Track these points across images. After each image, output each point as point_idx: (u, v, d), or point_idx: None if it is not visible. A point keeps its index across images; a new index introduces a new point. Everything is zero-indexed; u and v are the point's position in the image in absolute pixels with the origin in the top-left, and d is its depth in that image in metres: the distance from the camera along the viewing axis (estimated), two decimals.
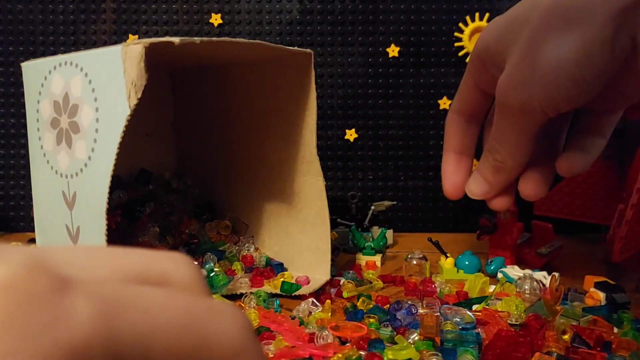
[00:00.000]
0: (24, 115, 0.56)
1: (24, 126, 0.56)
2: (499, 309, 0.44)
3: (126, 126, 0.39)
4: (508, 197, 0.38)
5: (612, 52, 0.27)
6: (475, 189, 0.36)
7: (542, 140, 0.35)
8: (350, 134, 0.75)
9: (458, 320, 0.41)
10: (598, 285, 0.47)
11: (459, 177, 0.37)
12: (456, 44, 0.72)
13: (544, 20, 0.29)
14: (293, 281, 0.52)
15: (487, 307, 0.45)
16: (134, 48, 0.39)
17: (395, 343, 0.38)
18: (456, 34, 0.72)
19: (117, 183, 0.61)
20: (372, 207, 0.68)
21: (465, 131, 0.38)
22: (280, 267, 0.55)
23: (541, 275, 0.52)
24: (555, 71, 0.28)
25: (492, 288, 0.50)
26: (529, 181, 0.36)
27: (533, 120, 0.31)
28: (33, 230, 0.56)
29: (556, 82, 0.28)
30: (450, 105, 0.40)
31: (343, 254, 0.62)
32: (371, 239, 0.63)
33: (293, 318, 0.43)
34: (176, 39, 0.39)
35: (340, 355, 0.35)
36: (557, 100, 0.29)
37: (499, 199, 0.37)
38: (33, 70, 0.52)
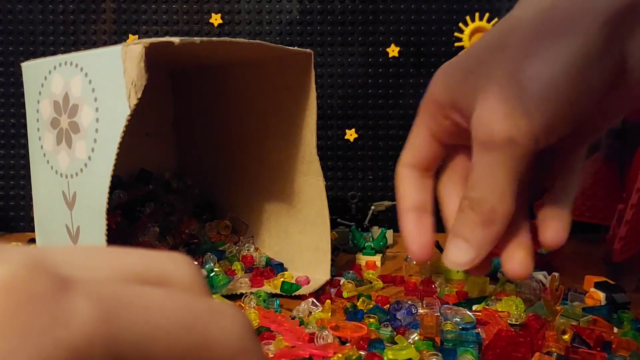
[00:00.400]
0: (24, 115, 0.56)
1: (24, 126, 0.56)
2: (499, 309, 0.44)
3: (126, 126, 0.39)
4: (526, 250, 0.32)
5: (604, 68, 0.25)
6: (461, 257, 0.30)
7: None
8: (350, 134, 0.75)
9: (458, 320, 0.41)
10: (598, 285, 0.47)
11: (425, 237, 0.33)
12: (456, 44, 0.72)
13: (529, 39, 0.26)
14: (293, 281, 0.52)
15: (487, 307, 0.45)
16: (134, 48, 0.39)
17: (395, 343, 0.38)
18: (456, 34, 0.72)
19: (117, 183, 0.61)
20: (372, 207, 0.68)
21: (422, 186, 0.33)
22: (280, 267, 0.55)
23: (541, 275, 0.52)
24: (548, 92, 0.25)
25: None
26: (550, 224, 0.31)
27: (522, 155, 0.27)
28: (33, 230, 0.56)
29: (548, 105, 0.26)
30: (399, 159, 0.34)
31: (343, 254, 0.62)
32: (371, 239, 0.63)
33: (293, 318, 0.43)
34: (176, 39, 0.39)
35: (340, 355, 0.35)
36: (550, 125, 0.26)
37: (516, 257, 0.32)
38: (33, 70, 0.52)
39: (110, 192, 0.41)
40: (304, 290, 0.50)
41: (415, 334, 0.39)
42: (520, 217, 0.31)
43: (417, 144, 0.33)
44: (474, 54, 0.30)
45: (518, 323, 0.42)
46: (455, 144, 0.33)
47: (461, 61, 0.31)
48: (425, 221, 0.33)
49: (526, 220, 0.32)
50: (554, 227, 0.30)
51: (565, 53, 0.25)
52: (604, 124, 0.30)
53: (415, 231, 0.33)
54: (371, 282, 0.52)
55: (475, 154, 0.28)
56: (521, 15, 0.27)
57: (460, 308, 0.42)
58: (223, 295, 0.48)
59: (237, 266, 0.55)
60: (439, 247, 0.60)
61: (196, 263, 0.54)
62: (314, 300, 0.46)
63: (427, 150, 0.33)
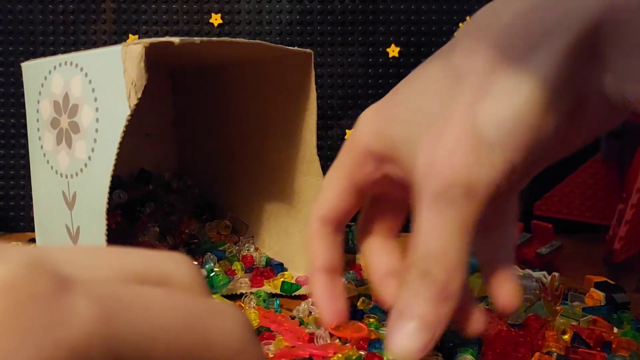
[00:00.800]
0: (24, 115, 0.56)
1: (24, 126, 0.56)
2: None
3: (126, 126, 0.39)
4: (477, 314, 0.29)
5: (563, 104, 0.23)
6: (414, 343, 0.23)
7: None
8: None
9: None
10: (598, 285, 0.47)
11: (339, 301, 0.30)
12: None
13: (488, 68, 0.23)
14: (293, 281, 0.52)
15: (486, 307, 0.45)
16: (134, 48, 0.39)
17: None
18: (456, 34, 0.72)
19: (117, 183, 0.61)
20: None
21: (334, 243, 0.30)
22: (280, 267, 0.55)
23: (541, 275, 0.51)
24: (505, 135, 0.22)
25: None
26: (502, 290, 0.28)
27: (480, 206, 0.23)
28: (33, 230, 0.56)
29: (511, 142, 0.23)
30: (312, 211, 0.31)
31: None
32: None
33: (293, 318, 0.43)
34: (176, 39, 0.39)
35: (340, 355, 0.35)
36: (513, 165, 0.23)
37: (473, 323, 0.28)
38: (33, 70, 0.52)
39: (110, 192, 0.41)
40: (304, 290, 0.50)
41: None
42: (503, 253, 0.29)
43: (334, 194, 0.30)
44: (414, 93, 0.27)
45: (518, 323, 0.42)
46: (378, 192, 0.30)
47: (398, 102, 0.28)
48: (337, 283, 0.31)
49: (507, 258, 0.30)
50: (505, 293, 0.28)
51: (520, 94, 0.23)
52: (559, 156, 0.27)
53: (327, 296, 0.31)
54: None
55: (423, 211, 0.24)
56: (468, 49, 0.25)
57: None
58: (223, 295, 0.48)
59: (237, 266, 0.55)
60: None
61: (196, 263, 0.54)
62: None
63: (344, 202, 0.30)
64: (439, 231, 0.23)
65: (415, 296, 0.24)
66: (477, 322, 0.28)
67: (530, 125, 0.23)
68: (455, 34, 0.28)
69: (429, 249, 0.24)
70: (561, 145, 0.25)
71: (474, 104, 0.23)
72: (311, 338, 0.39)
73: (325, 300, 0.31)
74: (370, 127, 0.29)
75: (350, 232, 0.64)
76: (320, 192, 0.31)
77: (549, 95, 0.23)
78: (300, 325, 0.41)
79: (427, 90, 0.26)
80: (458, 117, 0.24)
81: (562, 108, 0.23)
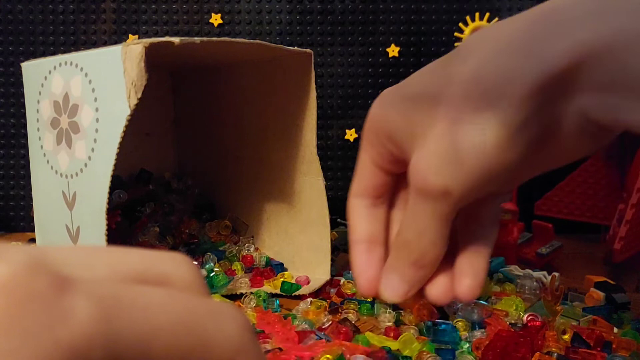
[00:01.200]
0: (24, 115, 0.56)
1: (24, 126, 0.56)
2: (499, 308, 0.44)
3: (126, 126, 0.39)
4: (445, 284, 0.32)
5: (532, 136, 0.25)
6: (392, 292, 0.30)
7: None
8: (350, 134, 0.75)
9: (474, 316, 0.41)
10: (598, 285, 0.47)
11: (373, 270, 0.32)
12: (456, 44, 0.72)
13: (462, 99, 0.26)
14: (293, 281, 0.52)
15: (486, 306, 0.45)
16: (134, 48, 0.39)
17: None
18: (456, 34, 0.72)
19: (117, 183, 0.61)
20: None
21: (373, 216, 0.33)
22: (280, 267, 0.55)
23: (541, 275, 0.52)
24: (479, 154, 0.26)
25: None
26: (464, 279, 0.31)
27: (454, 204, 0.27)
28: (33, 230, 0.56)
29: (480, 165, 0.26)
30: (350, 189, 0.33)
31: (343, 254, 0.62)
32: None
33: (286, 317, 0.43)
34: (176, 39, 0.39)
35: (329, 356, 0.35)
36: (482, 182, 0.26)
37: (437, 285, 0.31)
38: (33, 70, 0.52)
39: (110, 192, 0.41)
40: (304, 290, 0.50)
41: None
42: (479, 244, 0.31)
43: (363, 172, 0.33)
44: (413, 94, 0.30)
45: (518, 323, 0.42)
46: (399, 172, 0.32)
47: (403, 94, 0.31)
48: (377, 253, 0.32)
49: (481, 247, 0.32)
50: (467, 283, 0.30)
51: (493, 123, 0.25)
52: (533, 175, 0.29)
53: (364, 264, 0.32)
54: None
55: (410, 196, 0.29)
56: (455, 72, 0.27)
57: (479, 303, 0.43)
58: (223, 295, 0.48)
59: (237, 266, 0.55)
60: None
61: (196, 263, 0.54)
62: (313, 300, 0.46)
63: (373, 179, 0.32)
64: (419, 216, 0.28)
65: (397, 257, 0.30)
66: (467, 287, 0.32)
67: (500, 151, 0.26)
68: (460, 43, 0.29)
69: (410, 227, 0.29)
70: (535, 166, 0.28)
71: (453, 123, 0.26)
72: (301, 338, 0.39)
73: (361, 269, 0.33)
74: (379, 113, 0.32)
75: None
76: (355, 170, 0.34)
77: (516, 128, 0.25)
78: (292, 324, 0.41)
79: (425, 94, 0.29)
80: (441, 128, 0.27)
81: (526, 140, 0.26)
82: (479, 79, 0.26)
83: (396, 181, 0.33)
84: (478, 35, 0.28)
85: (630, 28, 0.22)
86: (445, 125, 0.27)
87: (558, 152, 0.27)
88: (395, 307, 0.44)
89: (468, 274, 0.31)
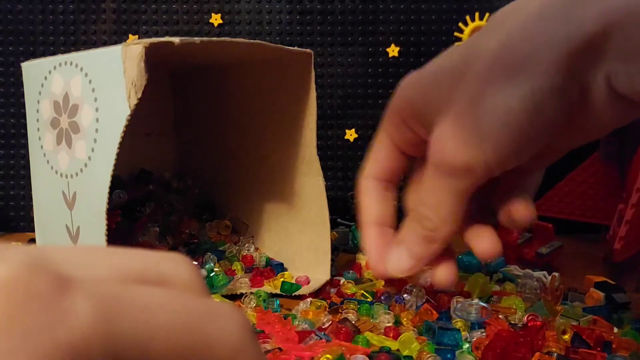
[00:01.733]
0: (24, 115, 0.56)
1: (24, 126, 0.56)
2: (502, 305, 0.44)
3: (126, 126, 0.39)
4: (452, 267, 0.32)
5: (562, 102, 0.25)
6: (399, 265, 0.31)
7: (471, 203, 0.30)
8: (350, 134, 0.75)
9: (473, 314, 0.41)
10: (598, 285, 0.47)
11: (385, 251, 0.32)
12: (456, 44, 0.72)
13: (489, 70, 0.26)
14: (293, 281, 0.52)
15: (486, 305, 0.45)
16: (134, 48, 0.39)
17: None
18: (456, 34, 0.72)
19: (117, 183, 0.61)
20: None
21: (384, 198, 0.33)
22: (280, 267, 0.55)
23: (541, 275, 0.52)
24: (505, 125, 0.25)
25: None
26: (485, 238, 0.31)
27: (473, 181, 0.27)
28: (33, 230, 0.56)
29: (506, 137, 0.25)
30: (362, 170, 0.33)
31: (343, 254, 0.62)
32: None
33: (286, 317, 0.43)
34: (176, 39, 0.39)
35: (329, 356, 0.35)
36: (507, 156, 0.26)
37: (444, 271, 0.32)
38: (33, 70, 0.52)
39: (110, 192, 0.41)
40: (304, 290, 0.50)
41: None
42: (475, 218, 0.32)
43: (381, 155, 0.33)
44: (439, 71, 0.29)
45: (518, 323, 0.42)
46: (418, 156, 0.33)
47: (428, 75, 0.31)
48: (388, 236, 0.33)
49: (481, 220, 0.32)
50: (485, 244, 0.31)
51: (522, 90, 0.25)
52: (566, 148, 0.29)
53: (378, 246, 0.33)
54: (371, 280, 0.52)
55: (428, 171, 0.29)
56: (482, 45, 0.27)
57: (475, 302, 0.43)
58: (223, 295, 0.48)
59: (237, 266, 0.55)
60: None
61: (196, 263, 0.54)
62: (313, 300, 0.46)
63: (390, 161, 0.33)
64: (435, 192, 0.28)
65: (410, 231, 0.31)
66: (445, 273, 0.32)
67: (526, 119, 0.25)
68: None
69: (426, 203, 0.29)
70: (564, 140, 0.28)
71: (478, 94, 0.26)
72: (301, 338, 0.39)
73: (373, 251, 0.33)
74: (405, 94, 0.32)
75: (350, 232, 0.64)
76: (370, 152, 0.34)
77: (547, 95, 0.24)
78: (292, 324, 0.41)
79: (451, 69, 0.29)
80: (464, 103, 0.26)
81: (560, 106, 0.25)
82: (509, 49, 0.25)
83: (409, 167, 0.33)
84: (501, 13, 0.28)
85: None
86: (468, 100, 0.26)
87: (587, 124, 0.27)
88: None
89: (483, 234, 0.31)
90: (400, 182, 0.35)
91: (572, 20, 0.24)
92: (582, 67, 0.24)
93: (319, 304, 0.45)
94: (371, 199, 0.33)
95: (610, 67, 0.24)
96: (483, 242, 0.32)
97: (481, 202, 0.31)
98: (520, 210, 0.31)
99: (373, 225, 0.33)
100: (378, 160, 0.33)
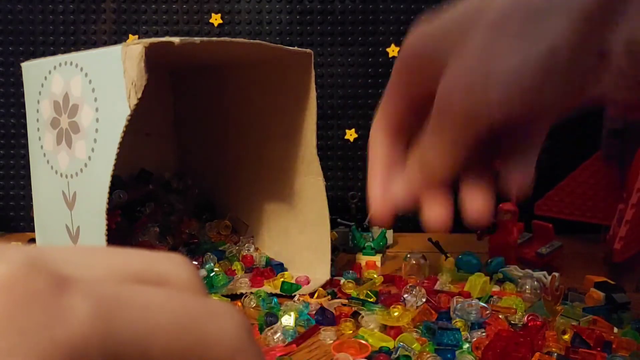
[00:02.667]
0: (24, 115, 0.56)
1: (24, 126, 0.56)
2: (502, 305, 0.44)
3: (126, 126, 0.39)
4: (446, 205, 0.32)
5: (580, 59, 0.24)
6: (398, 198, 0.32)
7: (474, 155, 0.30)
8: (350, 134, 0.75)
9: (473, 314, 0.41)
10: (598, 285, 0.47)
11: (387, 192, 0.33)
12: None
13: (502, 20, 0.25)
14: (293, 281, 0.52)
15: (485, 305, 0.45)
16: (134, 48, 0.39)
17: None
18: None
19: (117, 183, 0.61)
20: None
21: (394, 148, 0.34)
22: (280, 267, 0.55)
23: (541, 275, 0.51)
24: (515, 78, 0.25)
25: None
26: (478, 200, 0.31)
27: (475, 130, 0.27)
28: (33, 230, 0.56)
29: (514, 90, 0.25)
30: (372, 122, 0.34)
31: (343, 254, 0.62)
32: (371, 239, 0.63)
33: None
34: (176, 39, 0.39)
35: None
36: (512, 108, 0.26)
37: (437, 208, 0.32)
38: (33, 70, 0.52)
39: (110, 192, 0.41)
40: (304, 290, 0.50)
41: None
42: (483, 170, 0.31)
43: (388, 106, 0.33)
44: (449, 21, 0.29)
45: (518, 323, 0.42)
46: (427, 113, 0.33)
47: (438, 25, 0.30)
48: (392, 179, 0.33)
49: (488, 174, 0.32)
50: (477, 204, 0.30)
51: (537, 45, 0.24)
52: (577, 106, 0.29)
53: (378, 188, 0.33)
54: (371, 279, 0.52)
55: (432, 119, 0.29)
56: None
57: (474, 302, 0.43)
58: (223, 295, 0.48)
59: (237, 266, 0.55)
60: (439, 247, 0.60)
61: (196, 263, 0.54)
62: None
63: (398, 113, 0.33)
64: (437, 137, 0.29)
65: (412, 172, 0.32)
66: (477, 207, 0.32)
67: (538, 75, 0.25)
68: None
69: (427, 146, 0.30)
70: (581, 94, 0.27)
71: (489, 44, 0.26)
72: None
73: (376, 191, 0.33)
74: (413, 44, 0.32)
75: (350, 232, 0.64)
76: (380, 105, 0.34)
77: (562, 52, 0.24)
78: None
79: (464, 16, 0.28)
80: (474, 51, 0.26)
81: (576, 65, 0.25)
82: (524, 1, 0.25)
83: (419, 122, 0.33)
84: None
85: None
86: (478, 49, 0.26)
87: (603, 87, 0.26)
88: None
89: (478, 195, 0.31)
90: (409, 137, 0.35)
91: None
92: (601, 25, 0.24)
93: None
94: (381, 147, 0.34)
95: (631, 28, 0.23)
96: (475, 202, 0.31)
97: (485, 160, 0.31)
98: (517, 178, 0.31)
99: (380, 166, 0.34)
100: (386, 112, 0.34)
